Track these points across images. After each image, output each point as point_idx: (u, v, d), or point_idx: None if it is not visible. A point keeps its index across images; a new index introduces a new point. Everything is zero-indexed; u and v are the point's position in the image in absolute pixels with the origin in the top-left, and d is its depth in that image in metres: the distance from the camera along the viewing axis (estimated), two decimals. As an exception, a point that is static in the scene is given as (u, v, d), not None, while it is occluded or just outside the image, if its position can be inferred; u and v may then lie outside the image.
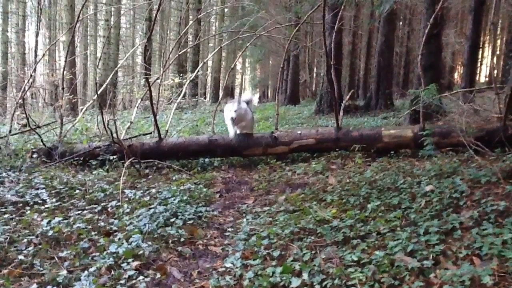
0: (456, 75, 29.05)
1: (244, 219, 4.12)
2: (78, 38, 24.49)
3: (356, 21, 20.78)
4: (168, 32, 29.44)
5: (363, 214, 3.67)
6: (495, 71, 21.42)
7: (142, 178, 5.73)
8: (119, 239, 3.39)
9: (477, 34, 11.19)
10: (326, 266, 2.79)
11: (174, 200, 4.44)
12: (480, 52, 22.70)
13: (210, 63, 30.03)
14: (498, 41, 28.23)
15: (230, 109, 6.61)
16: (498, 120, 5.73)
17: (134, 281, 2.79)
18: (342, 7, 8.11)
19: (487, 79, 28.62)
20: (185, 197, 4.60)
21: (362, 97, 21.35)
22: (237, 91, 42.91)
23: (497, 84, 6.30)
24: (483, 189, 3.78)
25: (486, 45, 29.07)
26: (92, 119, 10.43)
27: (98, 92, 7.62)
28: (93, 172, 5.87)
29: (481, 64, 27.58)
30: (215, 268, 3.07)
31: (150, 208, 4.14)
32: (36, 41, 15.82)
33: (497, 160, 4.72)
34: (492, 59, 28.46)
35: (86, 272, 2.82)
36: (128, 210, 4.19)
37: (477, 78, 16.49)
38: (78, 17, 8.63)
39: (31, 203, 4.32)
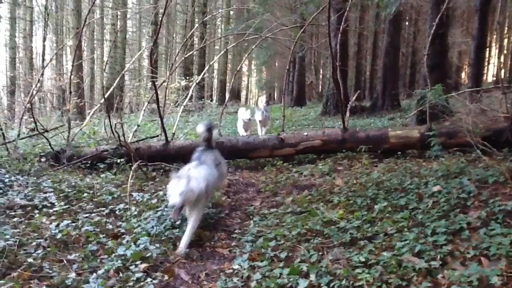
0: (463, 75, 28.91)
1: (251, 221, 4.13)
2: (85, 43, 24.64)
3: (362, 23, 20.74)
4: (174, 35, 29.53)
5: (370, 215, 3.67)
6: (502, 71, 21.28)
7: (149, 181, 5.76)
8: (127, 241, 3.41)
9: (483, 33, 11.11)
10: (334, 267, 2.79)
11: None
12: (487, 52, 22.60)
13: (216, 65, 30.11)
14: (505, 40, 28.05)
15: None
16: (505, 119, 5.70)
17: (142, 283, 2.81)
18: (347, 9, 8.09)
19: (494, 78, 28.45)
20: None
21: (368, 98, 21.31)
22: (243, 93, 42.97)
23: (504, 83, 6.26)
24: (490, 189, 3.77)
25: (493, 44, 28.88)
26: (100, 123, 10.49)
27: (105, 96, 7.66)
28: (101, 175, 5.91)
29: (488, 64, 27.43)
30: (222, 269, 3.08)
31: (157, 211, 4.16)
32: (44, 46, 15.89)
33: (504, 160, 4.71)
34: (498, 58, 28.25)
35: (94, 274, 2.85)
36: (135, 212, 4.22)
37: (484, 78, 16.38)
38: (85, 21, 8.67)
39: (40, 206, 4.36)
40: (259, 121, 8.41)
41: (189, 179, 3.52)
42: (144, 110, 9.47)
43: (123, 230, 3.76)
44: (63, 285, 2.76)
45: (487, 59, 25.43)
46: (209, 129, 4.53)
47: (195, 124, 11.10)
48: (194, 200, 3.57)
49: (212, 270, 3.12)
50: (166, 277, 2.94)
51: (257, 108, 8.75)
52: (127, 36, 26.94)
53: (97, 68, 29.72)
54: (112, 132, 6.71)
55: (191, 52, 16.83)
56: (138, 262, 3.06)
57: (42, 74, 9.94)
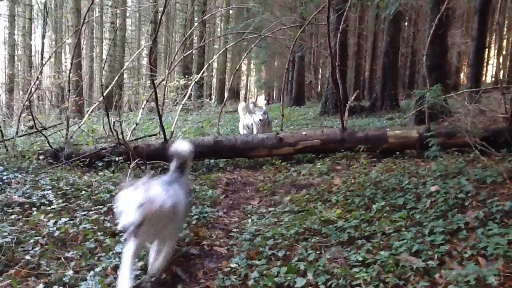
0: (462, 76, 28.95)
1: (249, 220, 4.14)
2: (84, 41, 24.61)
3: (361, 23, 20.74)
4: (174, 34, 29.49)
5: (368, 214, 3.67)
6: (501, 71, 21.31)
7: (147, 179, 5.74)
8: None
9: (483, 34, 11.12)
10: (331, 266, 2.80)
11: (179, 201, 4.45)
12: (486, 52, 22.62)
13: (215, 64, 30.05)
14: (504, 41, 28.10)
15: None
16: (504, 120, 5.71)
17: (139, 281, 2.80)
18: (347, 9, 8.09)
19: (493, 79, 28.52)
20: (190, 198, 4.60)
21: (367, 98, 21.33)
22: (242, 92, 42.96)
23: (503, 84, 6.27)
24: (488, 189, 3.78)
25: (492, 45, 28.93)
26: (98, 121, 10.49)
27: (104, 94, 7.66)
28: (99, 173, 5.90)
29: (487, 65, 27.46)
30: (220, 268, 3.08)
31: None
32: (43, 44, 15.93)
33: (502, 161, 4.72)
34: (498, 59, 28.31)
35: (92, 272, 2.85)
36: (133, 210, 4.20)
37: (483, 79, 16.40)
38: (84, 19, 8.70)
39: (38, 204, 4.35)
40: (260, 120, 7.68)
41: (148, 188, 2.59)
42: (143, 108, 9.46)
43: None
44: (61, 283, 2.76)
45: (486, 60, 25.47)
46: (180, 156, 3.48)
47: (194, 123, 11.13)
48: (157, 217, 2.61)
49: (209, 268, 3.11)
50: (163, 275, 2.93)
51: (259, 109, 7.91)
52: (126, 35, 26.93)
53: (96, 66, 29.70)
54: (111, 130, 6.71)
55: (190, 51, 16.82)
56: (135, 260, 3.05)
57: (41, 72, 9.95)
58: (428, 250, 2.81)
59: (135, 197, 2.50)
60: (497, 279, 2.33)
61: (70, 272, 2.86)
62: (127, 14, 25.52)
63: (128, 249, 2.70)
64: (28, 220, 3.83)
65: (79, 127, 8.11)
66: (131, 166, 5.42)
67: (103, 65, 23.76)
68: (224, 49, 16.36)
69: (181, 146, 3.48)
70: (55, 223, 3.71)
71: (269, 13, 15.64)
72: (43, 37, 16.43)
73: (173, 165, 3.41)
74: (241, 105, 9.01)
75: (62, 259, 3.11)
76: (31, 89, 8.08)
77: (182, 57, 12.57)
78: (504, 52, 27.01)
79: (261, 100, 38.60)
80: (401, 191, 4.19)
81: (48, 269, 2.95)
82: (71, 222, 3.79)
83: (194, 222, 4.01)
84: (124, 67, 15.57)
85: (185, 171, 3.48)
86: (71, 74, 8.43)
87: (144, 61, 30.24)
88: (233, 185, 5.80)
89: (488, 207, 3.33)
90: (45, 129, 7.54)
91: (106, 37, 28.45)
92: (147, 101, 9.85)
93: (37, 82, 8.57)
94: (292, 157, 6.94)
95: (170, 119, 11.29)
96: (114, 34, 21.90)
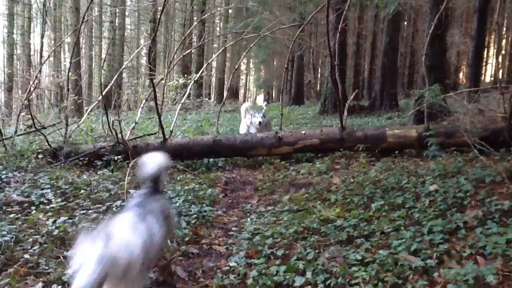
0: (461, 75, 28.96)
1: (248, 219, 4.14)
2: (83, 40, 24.62)
3: (361, 22, 20.74)
4: (173, 33, 29.47)
5: (367, 213, 3.67)
6: (500, 71, 21.34)
7: (146, 178, 5.74)
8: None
9: (482, 34, 11.13)
10: (330, 265, 2.80)
11: (178, 200, 4.46)
12: (485, 52, 22.63)
13: (214, 64, 30.06)
14: (503, 41, 28.12)
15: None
16: (503, 120, 5.71)
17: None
18: (346, 8, 8.09)
19: (492, 79, 28.53)
20: (189, 197, 4.61)
21: (366, 97, 21.32)
22: (241, 91, 42.95)
23: (502, 83, 6.27)
24: (487, 188, 3.78)
25: (491, 45, 28.95)
26: (97, 120, 10.46)
27: (103, 93, 7.65)
28: (98, 172, 5.89)
29: (486, 64, 27.45)
30: (219, 267, 3.08)
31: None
32: (42, 43, 15.87)
33: (501, 160, 4.73)
34: (497, 59, 28.33)
35: (91, 271, 2.84)
36: (133, 210, 4.19)
37: (482, 78, 16.41)
38: (83, 18, 8.68)
39: (37, 203, 4.34)
40: (259, 122, 7.64)
41: (108, 239, 1.97)
42: (142, 107, 9.44)
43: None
44: (60, 282, 2.76)
45: (485, 60, 25.46)
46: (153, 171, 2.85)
47: (193, 122, 11.11)
48: (124, 271, 2.03)
49: (208, 267, 3.11)
50: (162, 274, 2.93)
51: (257, 111, 7.95)
52: (125, 34, 26.92)
53: (95, 66, 29.66)
54: (110, 130, 6.71)
55: (189, 50, 16.80)
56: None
57: (40, 71, 9.92)
58: (427, 249, 2.81)
59: (94, 249, 1.93)
60: (495, 278, 2.34)
61: (69, 271, 2.85)
62: (126, 13, 25.52)
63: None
64: (27, 219, 3.82)
65: (78, 126, 8.09)
66: (130, 165, 5.41)
67: (102, 64, 23.71)
68: (223, 48, 16.37)
69: (154, 159, 2.86)
70: (54, 222, 3.70)
71: (268, 12, 15.63)
72: (42, 36, 16.37)
73: (145, 182, 2.88)
74: (244, 106, 8.97)
75: (61, 258, 3.11)
76: (30, 88, 8.06)
77: (181, 56, 12.55)
78: (503, 52, 27.04)
79: (260, 99, 38.62)
80: (400, 190, 4.19)
81: (47, 268, 2.94)
82: (70, 221, 3.79)
83: (193, 221, 4.01)
84: (123, 66, 15.57)
85: (160, 187, 2.96)
86: (70, 73, 8.40)
87: (143, 60, 30.20)
88: (232, 184, 5.80)
89: (487, 207, 3.34)
90: (44, 128, 7.52)
91: (105, 36, 28.40)
92: (146, 100, 9.83)
93: (36, 81, 8.55)
94: (291, 156, 6.93)
95: (169, 118, 11.28)
96: (113, 33, 21.90)
